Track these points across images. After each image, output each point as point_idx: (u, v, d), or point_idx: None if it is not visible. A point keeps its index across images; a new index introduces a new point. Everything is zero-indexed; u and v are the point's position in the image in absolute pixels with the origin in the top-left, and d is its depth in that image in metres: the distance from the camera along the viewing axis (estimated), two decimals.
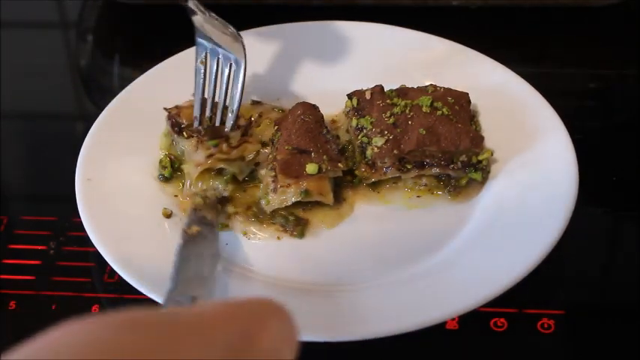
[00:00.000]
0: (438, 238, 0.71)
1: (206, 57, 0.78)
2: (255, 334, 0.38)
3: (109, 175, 0.75)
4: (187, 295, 0.54)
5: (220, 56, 0.77)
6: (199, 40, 0.78)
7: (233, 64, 0.77)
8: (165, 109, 0.79)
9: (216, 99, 0.78)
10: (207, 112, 0.78)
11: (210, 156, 0.74)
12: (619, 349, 0.66)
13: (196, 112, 0.78)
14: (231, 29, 0.77)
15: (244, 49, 0.76)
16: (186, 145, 0.77)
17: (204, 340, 0.36)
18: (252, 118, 0.80)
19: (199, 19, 0.77)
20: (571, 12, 0.97)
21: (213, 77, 0.78)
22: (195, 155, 0.75)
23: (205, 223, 0.67)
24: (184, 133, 0.77)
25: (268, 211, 0.72)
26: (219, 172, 0.75)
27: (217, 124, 0.78)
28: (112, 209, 0.71)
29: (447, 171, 0.74)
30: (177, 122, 0.78)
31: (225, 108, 0.78)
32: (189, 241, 0.63)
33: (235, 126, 0.77)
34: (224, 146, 0.75)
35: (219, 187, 0.74)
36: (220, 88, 0.78)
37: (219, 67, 0.78)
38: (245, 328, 0.38)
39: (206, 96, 0.78)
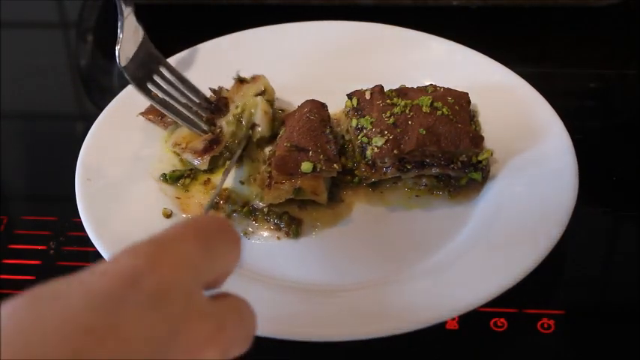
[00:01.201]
0: (437, 238, 0.71)
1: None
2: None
3: (109, 175, 0.75)
4: None
5: (155, 74, 0.79)
6: (138, 88, 0.77)
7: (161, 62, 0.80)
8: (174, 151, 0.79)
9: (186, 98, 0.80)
10: (202, 114, 0.79)
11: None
12: (619, 349, 0.66)
13: (200, 130, 0.78)
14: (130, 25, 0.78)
15: (144, 32, 0.79)
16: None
17: None
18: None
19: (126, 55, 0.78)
20: (571, 12, 0.97)
21: (174, 90, 0.79)
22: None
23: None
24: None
25: (264, 204, 0.72)
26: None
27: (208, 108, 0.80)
28: (112, 209, 0.71)
29: (447, 171, 0.74)
30: (198, 150, 0.77)
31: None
32: None
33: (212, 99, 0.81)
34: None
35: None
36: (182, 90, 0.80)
37: (167, 81, 0.79)
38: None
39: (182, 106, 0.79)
